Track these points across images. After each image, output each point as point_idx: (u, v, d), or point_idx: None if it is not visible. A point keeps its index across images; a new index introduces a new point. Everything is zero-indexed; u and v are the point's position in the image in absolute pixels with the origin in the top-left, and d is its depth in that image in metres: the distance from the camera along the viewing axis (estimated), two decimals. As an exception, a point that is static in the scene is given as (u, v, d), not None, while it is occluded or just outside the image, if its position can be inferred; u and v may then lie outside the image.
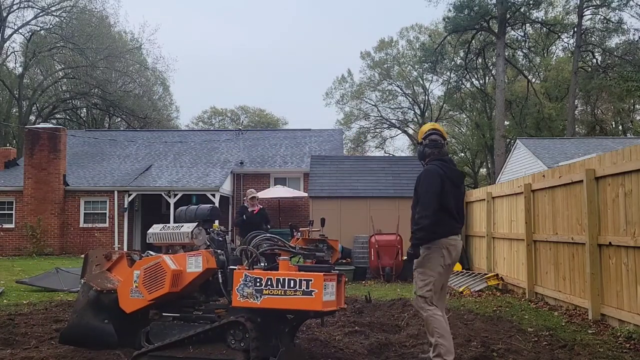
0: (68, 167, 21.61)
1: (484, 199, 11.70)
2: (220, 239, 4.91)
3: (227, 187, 21.42)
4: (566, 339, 5.76)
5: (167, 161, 23.39)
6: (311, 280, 4.05)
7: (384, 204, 14.05)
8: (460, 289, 9.81)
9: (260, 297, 4.13)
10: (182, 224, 4.85)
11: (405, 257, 4.86)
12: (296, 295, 4.04)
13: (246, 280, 4.18)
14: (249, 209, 10.27)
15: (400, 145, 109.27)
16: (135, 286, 4.62)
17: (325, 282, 4.08)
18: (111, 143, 25.69)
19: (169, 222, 19.98)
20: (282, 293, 4.08)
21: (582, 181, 7.04)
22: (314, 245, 4.62)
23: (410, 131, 49.95)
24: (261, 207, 10.56)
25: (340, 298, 4.38)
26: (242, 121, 55.16)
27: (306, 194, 17.59)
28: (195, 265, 4.54)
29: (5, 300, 8.70)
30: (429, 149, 4.79)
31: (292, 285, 4.07)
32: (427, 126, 4.98)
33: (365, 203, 14.05)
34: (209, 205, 5.24)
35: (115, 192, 20.40)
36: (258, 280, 4.15)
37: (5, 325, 6.14)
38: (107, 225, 20.49)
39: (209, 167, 22.41)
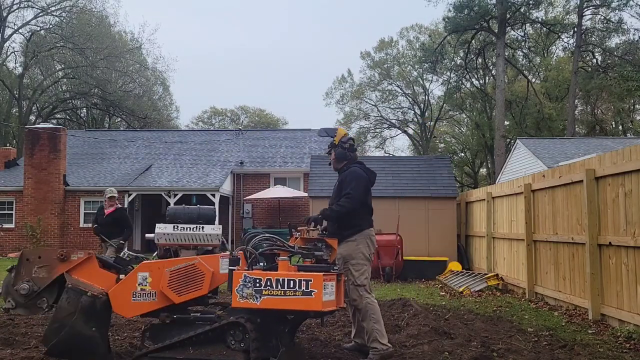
0: (68, 167, 21.61)
1: (484, 199, 11.70)
2: (225, 241, 4.90)
3: (227, 187, 21.43)
4: (566, 339, 5.76)
5: (167, 161, 23.40)
6: (310, 280, 4.05)
7: (384, 204, 14.04)
8: (460, 289, 9.81)
9: (260, 297, 4.13)
10: (202, 225, 4.72)
11: (326, 226, 5.07)
12: (296, 295, 4.06)
13: (245, 281, 4.17)
14: (105, 210, 9.22)
15: (400, 145, 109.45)
16: (143, 289, 4.46)
17: (325, 281, 4.08)
18: (111, 143, 25.69)
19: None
20: (282, 293, 4.09)
21: (582, 181, 7.04)
22: (312, 244, 4.64)
23: (410, 131, 49.96)
24: (119, 207, 9.39)
25: (340, 297, 4.39)
26: (242, 121, 55.13)
27: (306, 194, 17.59)
28: (227, 266, 4.54)
29: (5, 300, 8.69)
30: (350, 153, 5.31)
31: (291, 286, 4.07)
32: (343, 131, 5.44)
33: (365, 203, 14.04)
34: (211, 207, 5.16)
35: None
36: (257, 280, 4.15)
37: (5, 325, 6.13)
38: (107, 225, 20.47)
39: (209, 167, 22.42)
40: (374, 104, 48.57)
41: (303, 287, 4.05)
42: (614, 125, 41.73)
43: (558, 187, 8.03)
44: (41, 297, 4.54)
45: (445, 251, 13.30)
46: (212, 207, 5.12)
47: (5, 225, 20.49)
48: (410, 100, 48.05)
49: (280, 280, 4.10)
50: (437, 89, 72.50)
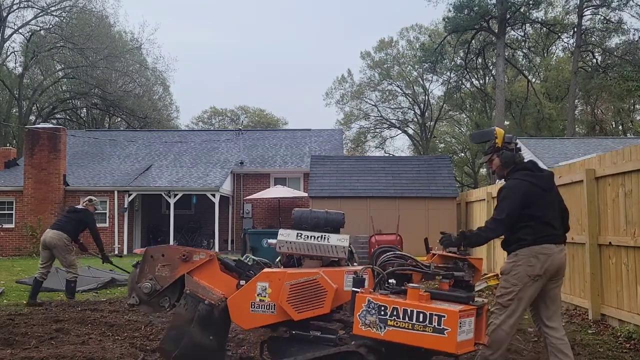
0: (68, 167, 21.62)
1: (484, 199, 11.70)
2: (353, 250, 4.49)
3: (227, 187, 21.44)
4: (566, 339, 5.75)
5: (167, 161, 23.41)
6: (444, 316, 3.41)
7: (384, 204, 14.06)
8: (460, 289, 9.80)
9: (385, 327, 3.56)
10: (328, 235, 4.29)
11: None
12: (425, 331, 3.45)
13: (369, 307, 3.62)
14: None
15: (400, 145, 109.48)
16: (261, 300, 4.12)
17: (462, 318, 3.41)
18: (111, 143, 25.70)
19: (170, 222, 19.99)
20: (410, 327, 3.49)
21: (582, 181, 7.04)
22: (452, 263, 4.03)
23: (410, 131, 49.97)
24: None
25: (481, 333, 3.73)
26: (242, 121, 55.13)
27: (306, 194, 17.59)
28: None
29: (5, 300, 8.71)
30: (518, 155, 4.40)
31: (420, 319, 3.46)
32: (501, 130, 4.50)
33: (365, 203, 14.07)
34: (340, 212, 4.62)
35: (115, 192, 20.40)
36: (383, 308, 3.57)
37: (5, 325, 6.13)
38: (107, 225, 20.47)
39: (209, 167, 22.43)
40: (374, 104, 48.64)
41: (434, 323, 3.42)
42: (614, 125, 41.75)
43: (558, 187, 8.01)
44: (164, 296, 4.39)
45: (445, 251, 13.29)
46: (341, 212, 4.56)
47: (5, 225, 20.48)
48: (410, 100, 48.08)
49: (409, 311, 3.50)
50: (437, 89, 72.61)
